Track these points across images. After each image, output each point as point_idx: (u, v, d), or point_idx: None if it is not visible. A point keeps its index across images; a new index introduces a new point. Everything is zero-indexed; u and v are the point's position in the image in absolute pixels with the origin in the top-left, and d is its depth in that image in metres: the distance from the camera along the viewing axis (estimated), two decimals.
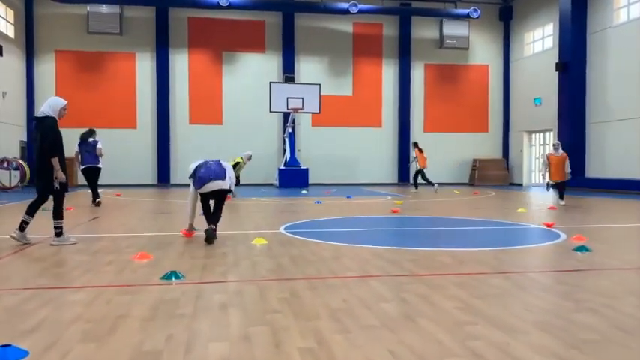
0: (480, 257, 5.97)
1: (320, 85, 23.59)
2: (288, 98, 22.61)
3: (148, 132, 25.22)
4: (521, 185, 26.44)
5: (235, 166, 17.49)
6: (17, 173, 20.75)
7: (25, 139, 23.94)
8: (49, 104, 6.83)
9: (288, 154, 23.36)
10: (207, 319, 3.59)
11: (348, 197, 16.44)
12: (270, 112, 23.29)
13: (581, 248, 6.45)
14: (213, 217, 7.30)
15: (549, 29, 24.59)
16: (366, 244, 6.86)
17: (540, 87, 24.92)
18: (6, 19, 22.19)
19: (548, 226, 8.82)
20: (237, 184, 16.63)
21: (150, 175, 25.28)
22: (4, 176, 20.50)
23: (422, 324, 3.48)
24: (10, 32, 22.57)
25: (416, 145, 20.59)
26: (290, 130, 23.44)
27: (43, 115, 6.76)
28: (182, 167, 24.89)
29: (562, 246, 6.85)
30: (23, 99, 23.89)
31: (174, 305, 3.93)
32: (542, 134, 25.71)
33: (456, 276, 5.00)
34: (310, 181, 24.69)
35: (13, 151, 22.26)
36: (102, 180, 24.97)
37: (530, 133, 26.55)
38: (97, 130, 24.28)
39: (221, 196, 7.36)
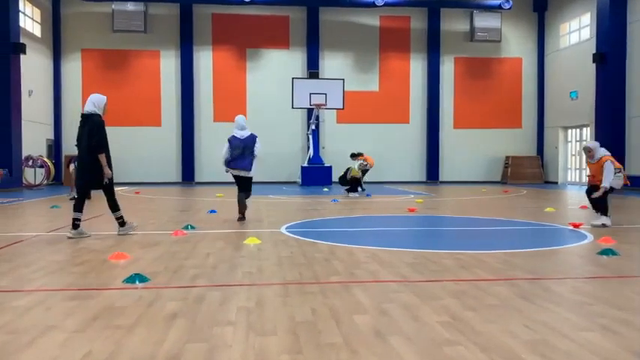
0: (487, 261, 5.33)
1: (344, 80, 22.98)
2: (310, 94, 22.09)
3: (173, 130, 25.11)
4: (556, 183, 25.26)
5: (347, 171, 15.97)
6: (42, 171, 20.90)
7: (52, 137, 24.15)
8: (92, 102, 7.04)
9: (311, 152, 22.86)
10: (142, 332, 3.11)
11: (367, 195, 15.82)
12: (293, 108, 22.82)
13: (607, 252, 5.74)
14: (240, 206, 9.07)
15: (586, 19, 23.35)
16: (366, 245, 6.29)
17: (577, 80, 23.71)
18: (32, 19, 22.37)
19: (575, 226, 8.05)
20: (359, 186, 15.89)
21: (174, 172, 25.17)
22: (29, 174, 20.66)
23: (392, 343, 2.91)
24: (37, 31, 22.75)
25: (357, 155, 16.65)
26: (313, 127, 22.93)
27: (90, 113, 6.98)
28: (206, 165, 24.79)
29: (586, 248, 6.13)
30: (50, 97, 24.08)
31: (117, 314, 3.46)
32: (578, 130, 24.48)
33: (453, 283, 4.39)
34: (334, 179, 24.15)
35: (39, 149, 22.45)
36: (127, 178, 25.13)
37: (565, 128, 25.33)
38: (123, 129, 24.69)
39: (245, 182, 9.01)
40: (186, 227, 7.91)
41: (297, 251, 5.91)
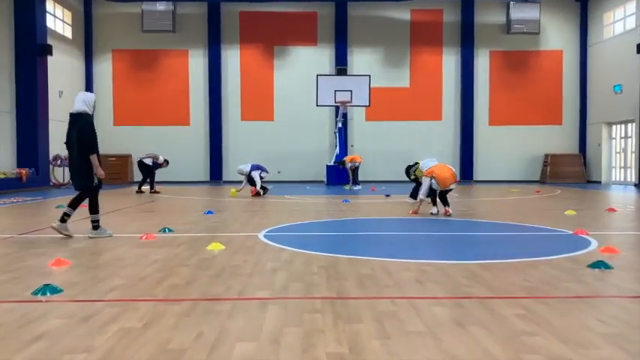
0: (453, 274, 4.73)
1: (370, 76, 22.30)
2: (335, 91, 21.56)
3: (201, 129, 25.11)
4: (599, 183, 23.80)
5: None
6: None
7: None
8: (82, 100, 6.85)
9: (337, 150, 22.34)
10: None
11: (386, 195, 15.21)
12: (317, 106, 22.32)
13: (598, 264, 5.01)
14: None
15: (631, 7, 21.81)
16: (331, 253, 5.77)
17: (621, 73, 22.21)
18: (63, 20, 22.79)
19: (580, 233, 7.25)
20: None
21: (202, 172, 25.18)
22: (58, 173, 21.04)
23: None
24: (68, 33, 23.16)
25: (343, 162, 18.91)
26: (340, 125, 22.41)
27: (79, 112, 6.80)
28: (234, 164, 24.61)
29: (578, 260, 5.41)
30: None
31: None
32: (623, 125, 22.96)
33: (390, 301, 3.83)
34: (363, 178, 23.51)
35: None
36: (156, 177, 25.37)
37: (609, 124, 23.81)
38: (152, 128, 24.89)
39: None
40: (163, 230, 7.60)
41: (253, 260, 5.46)
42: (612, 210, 10.73)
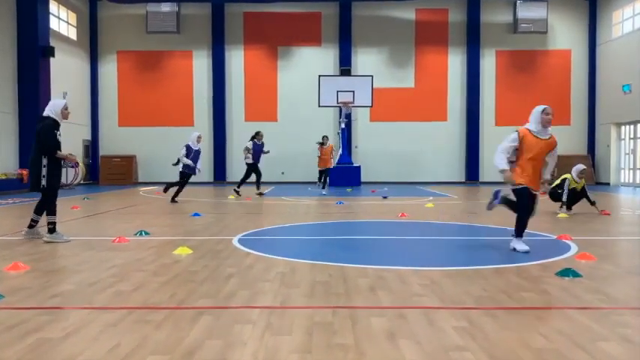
0: (411, 281, 4.58)
1: (372, 77, 22.10)
2: (338, 92, 21.41)
3: (205, 129, 25.08)
4: (608, 184, 23.35)
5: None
6: (76, 171, 21.30)
7: (89, 137, 24.74)
8: (50, 105, 7.06)
9: (340, 151, 22.19)
10: None
11: (383, 197, 15.02)
12: (319, 106, 22.18)
13: (567, 272, 4.83)
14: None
15: None
16: (295, 258, 5.64)
17: (630, 72, 21.77)
18: (67, 22, 22.94)
19: (564, 238, 7.04)
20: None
21: (206, 172, 25.16)
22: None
23: None
24: (73, 35, 23.32)
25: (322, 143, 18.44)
26: (343, 126, 22.26)
27: (43, 116, 6.99)
28: (238, 164, 24.61)
29: (549, 267, 5.22)
30: (87, 99, 24.67)
31: None
32: (632, 126, 22.49)
33: (324, 311, 3.70)
34: (367, 179, 23.44)
35: (76, 150, 23.00)
36: (161, 178, 25.28)
37: (619, 125, 23.35)
38: (156, 129, 24.94)
39: None
40: (140, 233, 7.53)
41: (212, 265, 5.35)
42: (606, 213, 10.44)
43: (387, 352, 2.92)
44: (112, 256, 5.87)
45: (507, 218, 9.81)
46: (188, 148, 13.44)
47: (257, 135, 15.81)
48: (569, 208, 10.56)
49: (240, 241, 6.93)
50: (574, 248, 6.31)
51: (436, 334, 3.21)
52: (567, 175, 10.71)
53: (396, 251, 6.55)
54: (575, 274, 4.79)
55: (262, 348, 2.97)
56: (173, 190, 13.63)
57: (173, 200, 13.45)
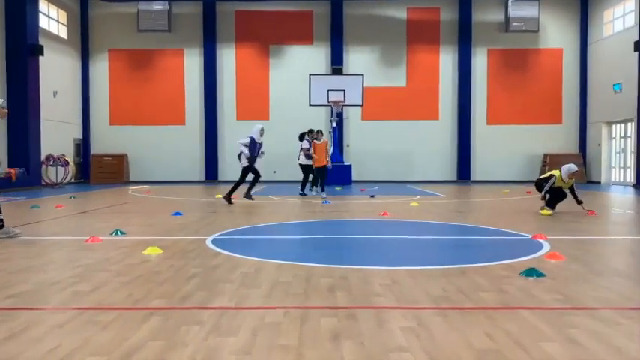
0: (372, 280, 4.56)
1: (363, 75, 22.07)
2: (329, 91, 21.38)
3: (196, 128, 25.10)
4: (599, 183, 23.37)
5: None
6: (66, 170, 21.26)
7: (80, 136, 24.69)
8: None
9: (331, 150, 22.13)
10: None
11: (371, 197, 15.02)
12: (310, 105, 22.14)
13: (531, 272, 4.83)
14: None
15: (631, 4, 21.38)
16: (264, 258, 5.63)
17: (620, 71, 21.78)
18: (58, 21, 22.88)
19: (538, 237, 7.04)
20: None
21: (198, 171, 25.17)
22: (52, 173, 21.12)
23: None
24: (63, 33, 23.26)
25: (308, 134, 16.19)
26: (334, 125, 22.23)
27: None
28: (230, 164, 24.58)
29: (515, 267, 5.21)
30: (78, 98, 24.61)
31: None
32: (622, 125, 22.51)
33: (277, 311, 3.69)
34: (358, 178, 23.43)
35: (67, 149, 22.98)
36: (152, 177, 25.23)
37: (609, 124, 23.37)
38: (147, 127, 24.90)
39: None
40: (115, 232, 7.51)
41: (178, 265, 5.33)
42: (592, 213, 10.40)
43: (327, 352, 2.91)
44: (80, 255, 5.85)
45: (490, 218, 9.84)
46: (252, 141, 12.31)
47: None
48: (552, 207, 10.50)
49: (213, 241, 6.92)
50: (546, 247, 6.31)
51: (381, 335, 3.20)
52: (556, 172, 10.40)
53: (367, 250, 6.55)
54: (539, 274, 4.79)
55: (203, 349, 2.95)
56: (241, 190, 12.58)
57: (249, 197, 12.59)
